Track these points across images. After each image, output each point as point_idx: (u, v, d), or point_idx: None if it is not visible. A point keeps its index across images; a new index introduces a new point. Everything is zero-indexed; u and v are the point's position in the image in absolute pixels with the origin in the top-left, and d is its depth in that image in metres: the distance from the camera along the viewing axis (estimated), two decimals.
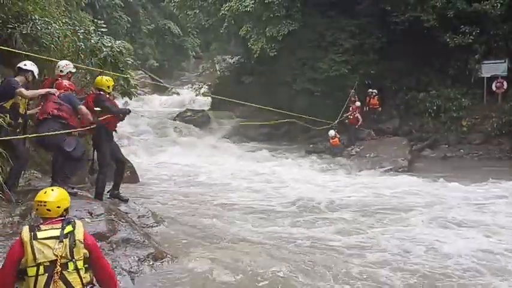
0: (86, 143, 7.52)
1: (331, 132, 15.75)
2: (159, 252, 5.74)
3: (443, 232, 7.51)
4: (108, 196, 6.97)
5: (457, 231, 7.58)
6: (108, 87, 6.82)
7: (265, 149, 16.71)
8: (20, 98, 5.91)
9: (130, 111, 7.16)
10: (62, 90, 6.20)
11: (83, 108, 6.20)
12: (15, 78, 5.99)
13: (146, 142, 16.62)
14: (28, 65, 6.13)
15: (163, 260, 5.64)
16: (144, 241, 5.70)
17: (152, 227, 6.79)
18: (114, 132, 7.04)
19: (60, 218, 3.08)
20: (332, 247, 6.81)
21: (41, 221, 3.12)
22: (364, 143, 16.08)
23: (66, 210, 3.17)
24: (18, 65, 6.16)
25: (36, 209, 3.13)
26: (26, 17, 7.81)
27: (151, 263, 5.48)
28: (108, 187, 7.07)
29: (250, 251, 6.31)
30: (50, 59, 7.26)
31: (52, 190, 3.16)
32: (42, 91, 6.13)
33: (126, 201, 7.08)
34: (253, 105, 14.49)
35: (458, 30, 15.70)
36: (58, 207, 3.09)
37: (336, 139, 15.83)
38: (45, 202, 3.07)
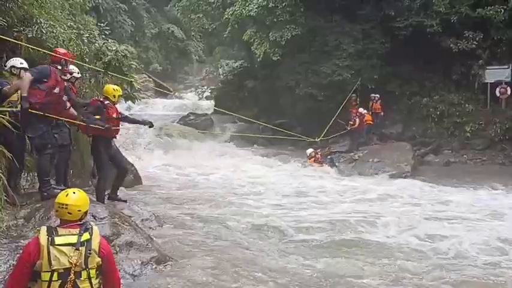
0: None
1: (309, 151, 14.54)
2: (163, 255, 5.73)
3: None
4: (107, 199, 6.99)
5: None
6: (114, 96, 6.82)
7: (267, 154, 16.69)
8: (17, 96, 5.92)
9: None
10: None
11: (25, 74, 5.60)
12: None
13: (149, 145, 16.63)
14: (11, 63, 6.11)
15: (167, 263, 5.63)
16: (147, 244, 5.69)
17: (156, 230, 6.78)
18: (114, 138, 7.07)
19: (78, 223, 3.06)
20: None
21: (59, 223, 3.10)
22: (367, 148, 16.05)
23: (86, 213, 3.15)
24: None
25: (57, 211, 3.10)
26: (32, 21, 7.85)
27: (154, 267, 5.46)
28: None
29: (255, 257, 6.28)
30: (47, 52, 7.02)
31: (74, 193, 3.11)
32: (20, 81, 5.82)
33: (124, 201, 7.12)
34: (248, 119, 14.87)
35: (461, 36, 15.75)
36: (79, 210, 3.06)
37: (312, 159, 14.42)
38: (66, 205, 3.04)
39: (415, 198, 10.61)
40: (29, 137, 5.99)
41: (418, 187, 11.93)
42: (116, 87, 7.09)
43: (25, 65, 6.14)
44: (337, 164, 14.68)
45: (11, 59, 6.22)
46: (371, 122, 16.32)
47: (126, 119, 7.50)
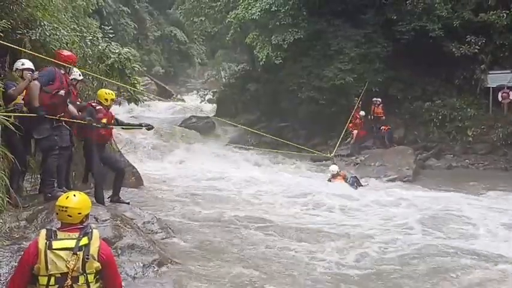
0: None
1: (334, 168, 12.25)
2: (164, 258, 5.74)
3: None
4: (109, 201, 7.00)
5: None
6: (106, 99, 6.77)
7: (270, 157, 16.66)
8: (22, 98, 5.94)
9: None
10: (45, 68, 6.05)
11: (33, 84, 5.69)
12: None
13: (151, 148, 16.64)
14: (15, 66, 6.16)
15: (168, 266, 5.63)
16: (149, 247, 5.69)
17: (157, 233, 6.76)
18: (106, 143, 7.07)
19: (78, 226, 3.04)
20: None
21: (59, 226, 3.10)
22: (369, 152, 16.05)
23: (87, 216, 3.13)
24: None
25: (57, 214, 3.09)
26: (35, 23, 7.87)
27: (156, 269, 5.46)
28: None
29: (257, 263, 6.24)
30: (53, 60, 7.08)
31: (74, 196, 3.11)
32: (24, 82, 5.91)
33: (127, 203, 7.11)
34: (247, 128, 14.79)
35: (464, 40, 15.76)
36: (79, 213, 3.05)
37: (340, 177, 12.00)
38: (66, 207, 3.03)
39: None
40: (36, 139, 6.00)
41: None
42: (108, 91, 7.05)
43: (27, 65, 6.15)
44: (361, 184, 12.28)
45: (18, 61, 6.26)
46: (389, 127, 16.32)
47: (121, 124, 7.46)
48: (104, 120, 6.72)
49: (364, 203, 10.14)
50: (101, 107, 6.74)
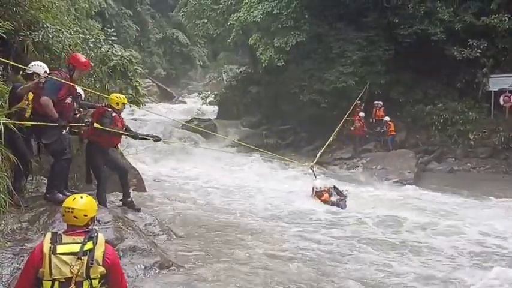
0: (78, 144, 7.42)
1: (318, 185, 10.70)
2: (165, 261, 5.74)
3: None
4: (121, 204, 6.98)
5: None
6: (117, 104, 6.78)
7: (271, 160, 16.63)
8: (27, 103, 5.93)
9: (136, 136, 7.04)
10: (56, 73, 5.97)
11: (44, 99, 5.64)
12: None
13: (153, 150, 16.62)
14: (31, 68, 6.11)
15: (170, 268, 5.64)
16: (150, 249, 5.69)
17: (158, 235, 6.77)
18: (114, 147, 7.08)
19: (84, 230, 3.03)
20: None
21: (65, 228, 3.09)
22: (370, 155, 16.05)
23: (92, 219, 3.12)
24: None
25: (63, 215, 3.10)
26: (38, 25, 7.91)
27: (157, 272, 5.47)
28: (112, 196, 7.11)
29: (258, 267, 6.23)
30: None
31: (81, 197, 3.11)
32: (31, 83, 5.86)
33: (138, 210, 7.03)
34: (236, 141, 14.64)
35: (465, 44, 15.78)
36: (85, 215, 3.05)
37: (326, 195, 10.46)
38: (72, 209, 3.03)
39: None
40: (45, 144, 5.99)
41: None
42: (120, 95, 7.07)
43: (40, 72, 6.10)
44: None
45: (35, 64, 6.16)
46: (394, 132, 16.28)
47: (130, 133, 7.47)
48: (119, 125, 6.74)
49: None
50: (115, 114, 6.72)
